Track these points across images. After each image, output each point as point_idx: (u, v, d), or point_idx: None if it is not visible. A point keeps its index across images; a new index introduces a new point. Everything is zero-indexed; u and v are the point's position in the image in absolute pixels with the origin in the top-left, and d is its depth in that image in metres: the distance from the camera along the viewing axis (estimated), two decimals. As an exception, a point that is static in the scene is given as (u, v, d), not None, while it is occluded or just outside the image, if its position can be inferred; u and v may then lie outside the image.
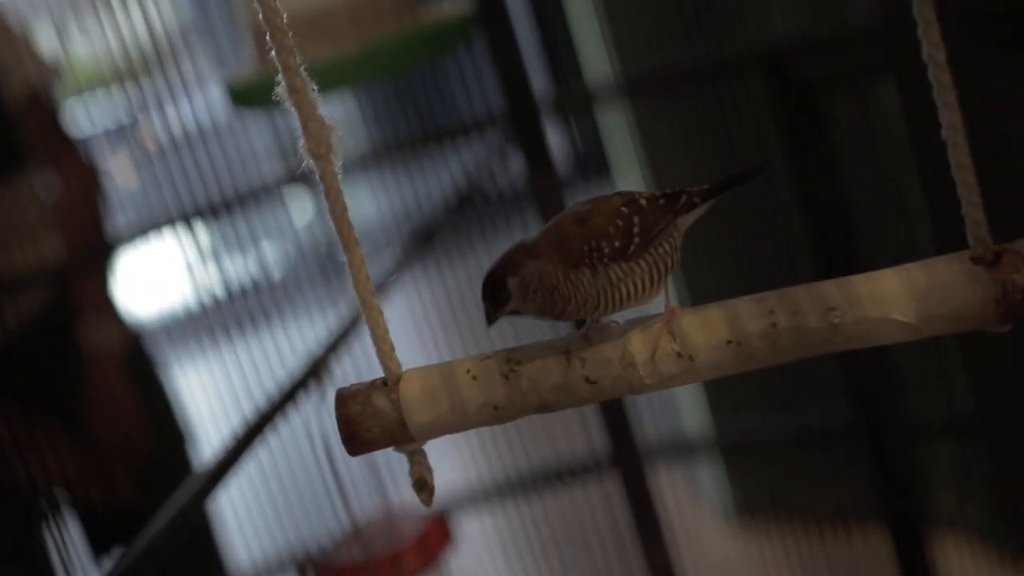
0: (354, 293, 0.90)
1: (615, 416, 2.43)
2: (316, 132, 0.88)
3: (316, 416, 1.62)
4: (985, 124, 2.22)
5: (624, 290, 0.87)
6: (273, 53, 0.87)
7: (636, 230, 0.87)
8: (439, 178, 2.71)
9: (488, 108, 2.46)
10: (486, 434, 2.57)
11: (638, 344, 0.88)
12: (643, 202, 0.89)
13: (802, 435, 2.70)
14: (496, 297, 0.88)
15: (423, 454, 0.92)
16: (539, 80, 2.45)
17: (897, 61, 2.24)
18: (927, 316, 0.83)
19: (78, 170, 1.96)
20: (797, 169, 2.29)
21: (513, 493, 2.75)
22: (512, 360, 0.89)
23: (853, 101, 2.32)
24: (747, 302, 0.87)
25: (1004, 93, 2.10)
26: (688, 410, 3.05)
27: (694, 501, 3.18)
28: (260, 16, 0.86)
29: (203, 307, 2.22)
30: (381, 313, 0.91)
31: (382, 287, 1.99)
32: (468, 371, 0.90)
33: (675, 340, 0.87)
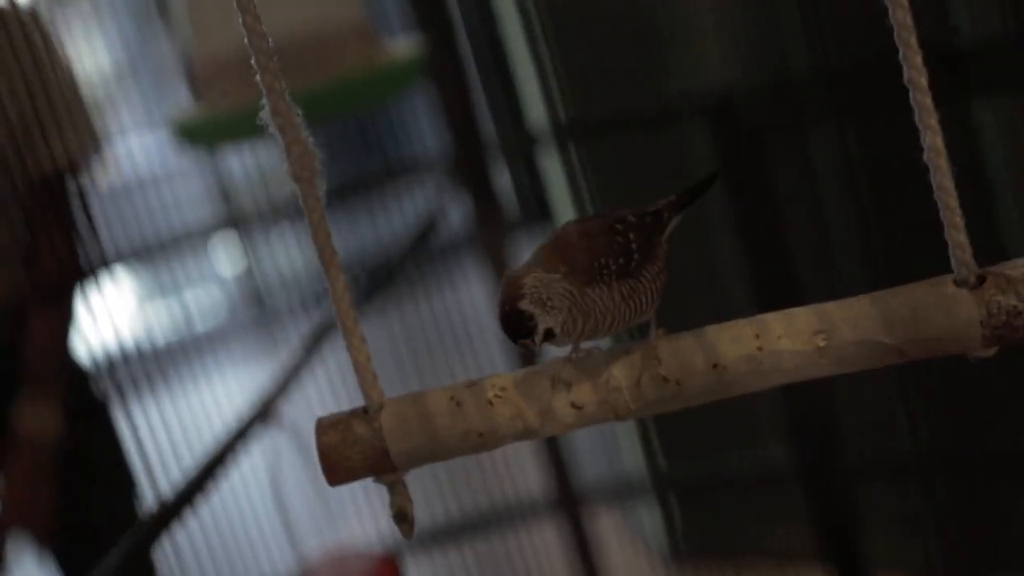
0: (337, 320, 0.89)
1: (555, 459, 2.43)
2: (300, 156, 0.87)
3: (264, 458, 1.59)
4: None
5: (633, 306, 0.86)
6: (258, 76, 0.86)
7: (634, 247, 0.87)
8: (381, 220, 2.70)
9: (435, 148, 2.46)
10: (428, 475, 2.54)
11: (623, 369, 0.87)
12: (632, 219, 0.89)
13: (744, 476, 2.71)
14: (522, 328, 0.84)
15: (404, 485, 0.91)
16: (491, 121, 2.46)
17: (835, 107, 2.28)
18: (912, 339, 0.84)
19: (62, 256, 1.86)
20: (742, 212, 2.31)
21: (457, 536, 2.73)
22: (496, 386, 0.89)
23: (798, 145, 2.35)
24: (732, 326, 0.87)
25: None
26: (628, 452, 3.05)
27: (635, 543, 3.17)
28: (245, 40, 0.85)
29: (131, 353, 2.15)
30: (363, 340, 0.90)
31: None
32: (452, 398, 0.89)
33: (661, 364, 0.87)
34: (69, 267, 1.82)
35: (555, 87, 2.64)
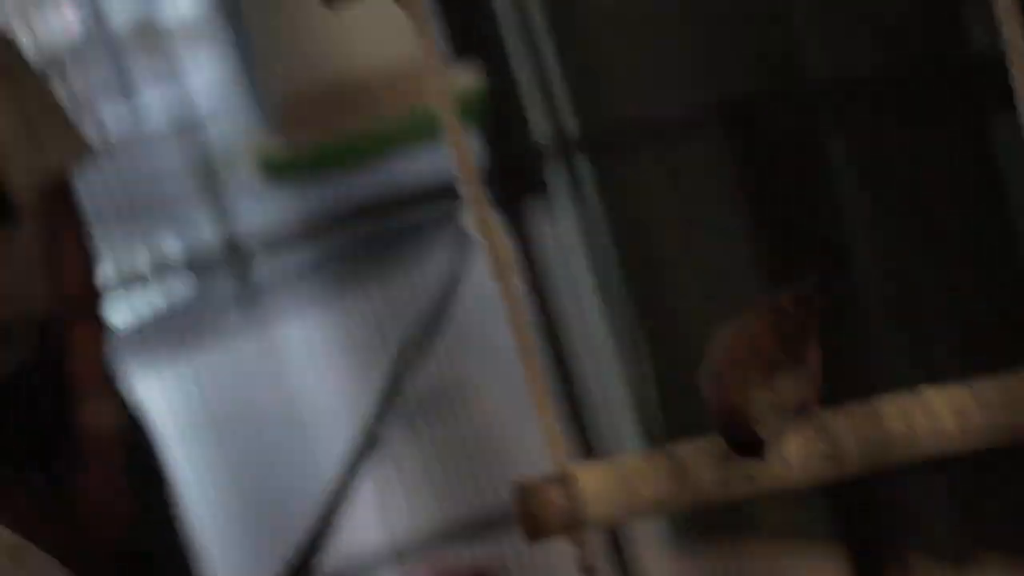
0: (528, 389, 0.99)
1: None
2: (500, 256, 0.98)
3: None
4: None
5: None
6: (462, 190, 0.95)
7: (796, 336, 0.98)
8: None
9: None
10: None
11: (791, 443, 0.99)
12: (790, 308, 1.00)
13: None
14: (761, 450, 0.97)
15: (592, 542, 1.02)
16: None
17: (852, 116, 2.34)
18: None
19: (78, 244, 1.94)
20: (757, 221, 2.40)
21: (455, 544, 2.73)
22: (678, 456, 1.00)
23: (815, 155, 2.41)
24: (897, 400, 0.99)
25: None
26: (625, 431, 3.08)
27: (631, 525, 3.20)
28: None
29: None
30: (554, 407, 1.00)
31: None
32: (638, 466, 1.00)
33: (823, 439, 0.99)
34: (92, 267, 1.92)
35: (572, 97, 2.69)
